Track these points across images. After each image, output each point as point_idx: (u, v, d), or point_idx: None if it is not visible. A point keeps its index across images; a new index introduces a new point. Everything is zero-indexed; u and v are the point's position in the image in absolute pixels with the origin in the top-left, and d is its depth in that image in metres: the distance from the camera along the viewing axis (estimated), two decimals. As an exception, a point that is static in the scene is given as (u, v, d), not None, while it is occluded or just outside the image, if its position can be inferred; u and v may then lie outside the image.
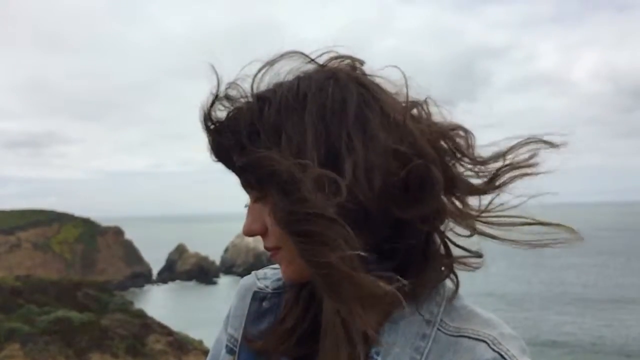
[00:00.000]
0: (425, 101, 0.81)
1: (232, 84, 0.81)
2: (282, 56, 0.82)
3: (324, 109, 0.76)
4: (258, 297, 0.95)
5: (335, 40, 0.84)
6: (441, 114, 0.82)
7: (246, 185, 0.81)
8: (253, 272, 1.01)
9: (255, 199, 0.81)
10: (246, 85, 0.81)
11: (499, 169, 0.79)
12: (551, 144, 0.79)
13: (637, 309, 31.11)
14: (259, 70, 0.81)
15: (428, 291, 0.79)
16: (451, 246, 0.81)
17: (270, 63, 0.81)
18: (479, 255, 0.81)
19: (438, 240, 0.80)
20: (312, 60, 0.83)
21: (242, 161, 0.76)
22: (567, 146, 0.79)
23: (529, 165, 0.79)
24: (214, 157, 0.82)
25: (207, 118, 0.80)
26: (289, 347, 0.86)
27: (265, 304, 0.94)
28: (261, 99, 0.79)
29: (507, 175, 0.79)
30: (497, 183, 0.79)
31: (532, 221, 0.78)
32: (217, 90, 0.81)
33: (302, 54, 0.83)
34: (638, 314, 29.87)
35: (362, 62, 0.84)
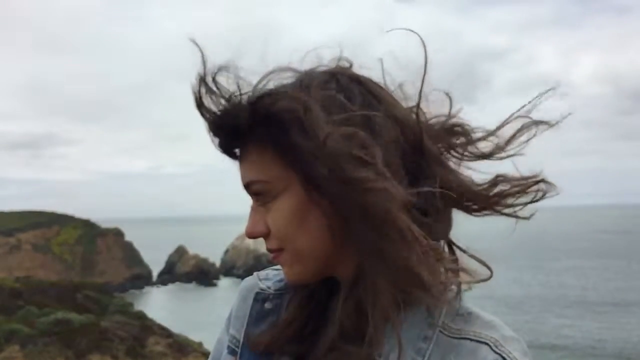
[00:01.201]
0: (426, 99, 0.82)
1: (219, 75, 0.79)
2: (273, 73, 0.81)
3: (330, 106, 0.76)
4: (260, 297, 0.95)
5: (334, 44, 0.84)
6: (442, 111, 0.83)
7: (257, 140, 0.78)
8: (255, 273, 1.01)
9: (258, 198, 0.81)
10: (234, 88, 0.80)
11: (496, 178, 0.81)
12: (547, 123, 0.80)
13: (637, 312, 31.07)
14: (256, 85, 0.80)
15: (431, 295, 0.79)
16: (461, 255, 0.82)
17: (262, 82, 0.80)
18: (488, 273, 0.81)
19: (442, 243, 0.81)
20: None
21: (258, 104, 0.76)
22: (561, 123, 0.80)
23: (532, 187, 0.80)
24: (214, 138, 0.82)
25: (201, 106, 0.80)
26: (291, 347, 0.86)
27: (267, 305, 0.94)
28: (264, 94, 0.78)
29: (509, 192, 0.80)
30: (498, 199, 0.81)
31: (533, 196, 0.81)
32: (205, 76, 0.79)
33: (293, 69, 0.82)
34: (638, 318, 29.82)
35: (349, 67, 0.84)
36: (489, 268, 0.81)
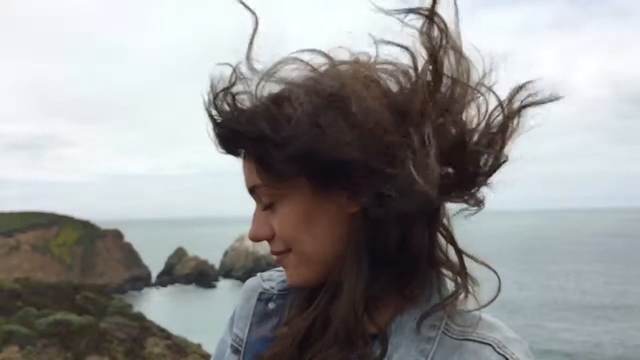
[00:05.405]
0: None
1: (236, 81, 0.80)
2: (281, 63, 0.81)
3: (343, 112, 0.75)
4: (264, 298, 0.96)
5: (335, 43, 0.83)
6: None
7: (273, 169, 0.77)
8: (258, 274, 1.01)
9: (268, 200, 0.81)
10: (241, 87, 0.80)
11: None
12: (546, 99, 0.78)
13: (636, 316, 31.02)
14: (259, 81, 0.80)
15: (434, 295, 0.80)
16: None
17: (269, 73, 0.80)
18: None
19: (444, 246, 0.81)
20: (314, 68, 0.81)
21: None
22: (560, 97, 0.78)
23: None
24: (221, 145, 0.81)
25: (214, 106, 0.80)
26: (295, 348, 0.86)
27: (270, 305, 0.94)
28: (277, 97, 0.78)
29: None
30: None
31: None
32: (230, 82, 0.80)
33: (302, 60, 0.82)
34: (638, 321, 29.78)
35: (368, 60, 0.83)
36: (495, 272, 0.80)
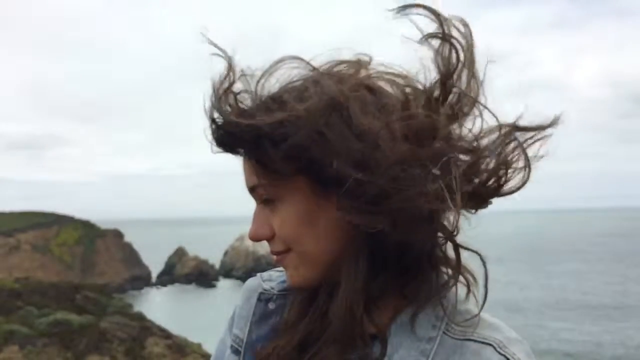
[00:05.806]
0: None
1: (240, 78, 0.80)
2: (281, 62, 0.81)
3: (343, 116, 0.74)
4: (264, 298, 0.96)
5: (337, 44, 0.83)
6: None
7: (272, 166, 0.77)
8: (258, 274, 1.01)
9: (268, 196, 0.81)
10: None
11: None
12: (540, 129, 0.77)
13: (636, 316, 30.99)
14: (259, 79, 0.80)
15: (434, 295, 0.80)
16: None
17: (270, 71, 0.80)
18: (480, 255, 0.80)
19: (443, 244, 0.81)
20: (314, 68, 0.81)
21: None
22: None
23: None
24: (222, 143, 0.81)
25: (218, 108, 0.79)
26: (294, 347, 0.86)
27: (270, 305, 0.94)
28: (277, 95, 0.78)
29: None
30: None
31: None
32: (230, 82, 0.79)
33: (302, 59, 0.82)
34: (638, 321, 29.75)
35: (369, 62, 0.83)
36: (482, 258, 0.78)
